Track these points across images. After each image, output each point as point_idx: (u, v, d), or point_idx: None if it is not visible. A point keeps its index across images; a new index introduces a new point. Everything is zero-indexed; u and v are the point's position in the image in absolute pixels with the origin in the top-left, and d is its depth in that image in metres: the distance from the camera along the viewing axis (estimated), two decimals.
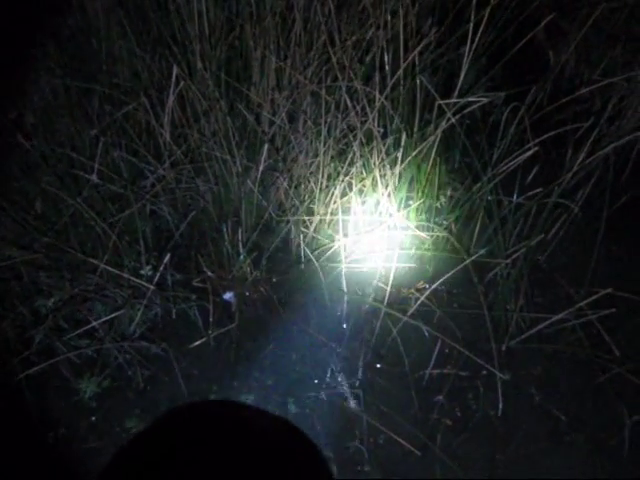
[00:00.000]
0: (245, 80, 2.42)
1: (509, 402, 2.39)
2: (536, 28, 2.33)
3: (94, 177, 2.28)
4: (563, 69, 2.83)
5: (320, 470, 0.80)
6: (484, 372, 2.39)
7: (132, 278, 2.27)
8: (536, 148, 2.19)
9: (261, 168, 2.29)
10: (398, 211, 2.36)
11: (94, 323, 2.26)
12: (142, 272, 2.42)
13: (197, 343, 2.38)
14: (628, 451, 2.29)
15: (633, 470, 2.29)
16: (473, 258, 2.17)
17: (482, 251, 2.33)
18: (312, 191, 2.38)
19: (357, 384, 2.37)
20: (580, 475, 2.29)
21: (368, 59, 2.41)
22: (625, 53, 2.80)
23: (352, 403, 2.31)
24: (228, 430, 0.77)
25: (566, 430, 2.36)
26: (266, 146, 2.26)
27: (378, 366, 2.45)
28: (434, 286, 2.21)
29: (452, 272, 2.13)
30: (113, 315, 2.28)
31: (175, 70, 2.17)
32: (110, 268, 2.24)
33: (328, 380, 2.39)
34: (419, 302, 2.22)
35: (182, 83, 2.22)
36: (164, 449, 0.74)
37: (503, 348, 2.39)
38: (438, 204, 2.52)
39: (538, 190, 2.32)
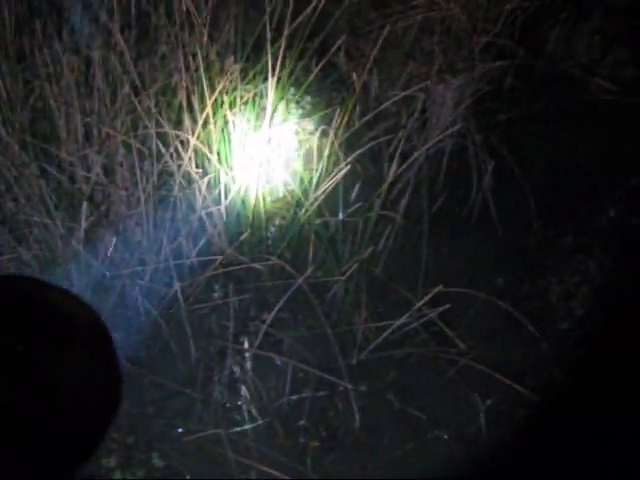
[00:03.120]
0: (53, 140, 2.37)
1: (370, 412, 2.45)
2: (331, 52, 2.44)
3: None
4: (367, 88, 2.96)
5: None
6: (340, 388, 2.44)
7: None
8: (349, 166, 2.29)
9: (83, 226, 2.24)
10: (230, 247, 2.38)
11: None
12: None
13: None
14: (486, 434, 2.41)
15: (492, 451, 2.41)
16: (304, 278, 2.22)
17: (317, 272, 2.39)
18: (140, 241, 2.36)
19: (219, 425, 2.35)
20: (448, 467, 2.38)
21: (176, 102, 2.43)
22: (421, 66, 2.98)
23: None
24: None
25: (427, 428, 2.45)
26: (85, 204, 2.22)
27: (238, 403, 2.44)
28: (272, 314, 2.24)
29: (288, 296, 2.18)
30: None
31: None
32: None
33: (190, 427, 2.35)
34: (263, 332, 2.24)
35: None
36: None
37: (354, 362, 2.45)
38: (269, 234, 2.56)
39: (358, 205, 2.42)
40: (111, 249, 2.41)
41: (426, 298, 2.38)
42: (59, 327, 0.77)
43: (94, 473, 2.29)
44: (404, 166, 2.51)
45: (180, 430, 2.37)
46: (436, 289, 2.36)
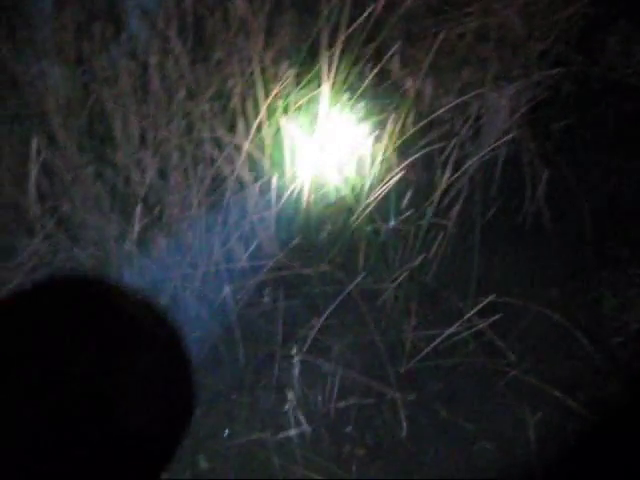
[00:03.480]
0: (109, 143, 2.41)
1: (416, 421, 2.43)
2: (385, 58, 2.44)
3: None
4: (421, 94, 2.94)
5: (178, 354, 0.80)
6: (388, 396, 2.43)
7: None
8: (402, 172, 2.28)
9: (137, 229, 2.27)
10: (281, 252, 2.39)
11: None
12: None
13: None
14: (536, 449, 2.37)
15: (542, 467, 2.36)
16: (354, 285, 2.22)
17: (368, 279, 2.38)
18: (192, 245, 2.38)
19: (265, 429, 2.35)
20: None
21: (230, 107, 2.44)
22: (476, 73, 2.95)
23: None
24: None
25: (474, 439, 2.42)
26: (139, 207, 2.25)
27: (285, 408, 2.44)
28: (321, 320, 2.24)
29: (337, 302, 2.17)
30: None
31: (35, 141, 2.15)
32: None
33: (236, 431, 2.37)
34: (311, 338, 2.24)
35: (43, 153, 2.20)
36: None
37: (402, 370, 2.44)
38: (320, 240, 2.56)
39: (410, 212, 2.41)
40: (163, 252, 2.44)
41: (477, 308, 2.35)
42: (133, 334, 0.76)
43: None
44: (457, 174, 2.49)
45: (226, 433, 2.38)
46: (487, 299, 2.33)
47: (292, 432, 2.38)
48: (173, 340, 0.80)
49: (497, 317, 2.35)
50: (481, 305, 2.33)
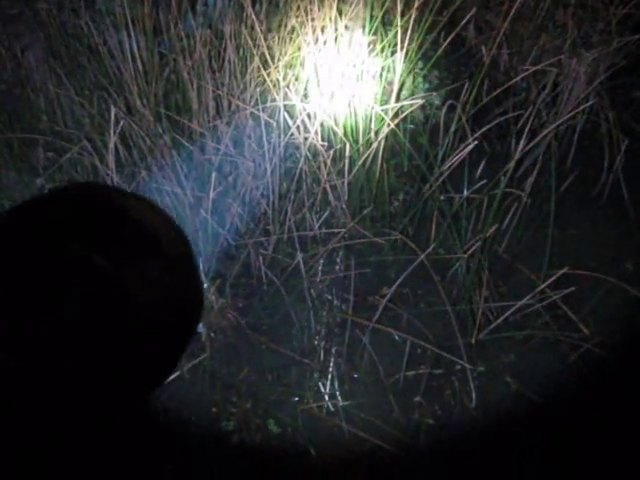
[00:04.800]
0: (185, 112, 2.44)
1: (486, 393, 2.43)
2: (460, 25, 2.39)
3: None
4: (497, 62, 2.89)
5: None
6: (458, 367, 2.42)
7: None
8: (475, 142, 2.25)
9: (211, 196, 2.31)
10: (353, 220, 2.39)
11: None
12: None
13: (171, 377, 2.38)
14: (607, 425, 2.33)
15: (612, 443, 2.33)
16: (425, 254, 2.21)
17: (439, 249, 2.37)
18: (265, 212, 2.41)
19: (335, 396, 2.38)
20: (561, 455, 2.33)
21: (304, 76, 2.45)
22: (553, 39, 2.88)
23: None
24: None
25: (544, 413, 2.40)
26: (214, 174, 2.29)
27: (355, 376, 2.47)
28: (392, 289, 2.24)
29: (409, 271, 2.17)
30: None
31: (113, 110, 2.20)
32: None
33: (306, 396, 2.40)
34: (382, 307, 2.25)
35: (122, 122, 2.24)
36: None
37: (473, 341, 2.42)
38: (392, 209, 2.56)
39: (483, 182, 2.37)
40: (237, 219, 2.48)
41: (550, 280, 2.31)
42: (139, 239, 0.74)
43: (212, 434, 2.40)
44: (532, 143, 2.44)
45: (297, 399, 2.42)
46: (561, 271, 2.29)
47: (361, 400, 2.40)
48: (176, 246, 0.79)
49: (570, 290, 2.31)
50: (554, 277, 2.29)
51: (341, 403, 2.36)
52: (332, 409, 2.36)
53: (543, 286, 2.33)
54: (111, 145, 2.28)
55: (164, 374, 0.78)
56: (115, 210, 0.76)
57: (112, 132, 2.25)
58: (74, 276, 0.69)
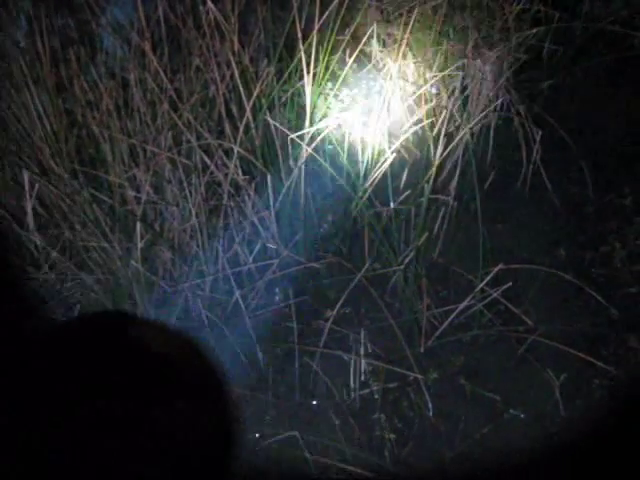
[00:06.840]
0: (101, 165, 2.41)
1: (443, 398, 2.44)
2: (363, 41, 2.42)
3: None
4: (404, 73, 2.93)
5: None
6: (411, 378, 2.43)
7: None
8: (394, 154, 2.27)
9: (140, 246, 2.27)
10: (285, 249, 2.39)
11: None
12: None
13: None
14: (564, 410, 2.36)
15: (573, 426, 2.36)
16: (362, 272, 2.22)
17: (375, 264, 2.38)
18: (197, 253, 2.38)
19: (294, 426, 2.36)
20: (527, 446, 2.35)
21: (216, 113, 2.44)
22: (455, 44, 2.94)
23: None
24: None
25: (503, 409, 2.42)
26: (138, 224, 2.25)
27: (312, 402, 2.45)
28: (334, 311, 2.25)
29: (348, 291, 2.18)
30: None
31: (26, 174, 2.15)
32: None
33: (265, 431, 2.37)
34: (327, 330, 2.25)
35: (37, 185, 2.20)
36: None
37: (422, 350, 2.44)
38: (322, 231, 2.57)
39: (408, 192, 2.40)
40: (169, 264, 2.45)
41: (487, 278, 2.35)
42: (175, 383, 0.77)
43: None
44: (450, 147, 2.48)
45: (257, 435, 2.38)
46: (496, 268, 2.33)
47: (321, 426, 2.38)
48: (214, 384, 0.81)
49: (509, 285, 2.34)
50: (491, 275, 2.33)
51: (301, 433, 2.33)
52: (293, 441, 2.33)
53: (481, 285, 2.36)
54: (29, 209, 2.23)
55: None
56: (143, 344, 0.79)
57: (28, 196, 2.20)
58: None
